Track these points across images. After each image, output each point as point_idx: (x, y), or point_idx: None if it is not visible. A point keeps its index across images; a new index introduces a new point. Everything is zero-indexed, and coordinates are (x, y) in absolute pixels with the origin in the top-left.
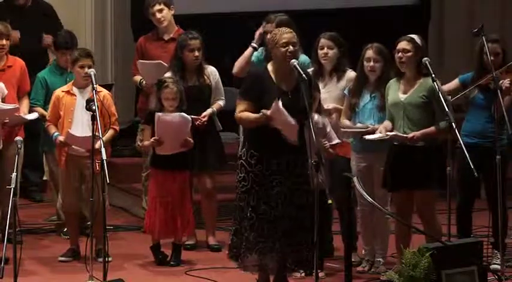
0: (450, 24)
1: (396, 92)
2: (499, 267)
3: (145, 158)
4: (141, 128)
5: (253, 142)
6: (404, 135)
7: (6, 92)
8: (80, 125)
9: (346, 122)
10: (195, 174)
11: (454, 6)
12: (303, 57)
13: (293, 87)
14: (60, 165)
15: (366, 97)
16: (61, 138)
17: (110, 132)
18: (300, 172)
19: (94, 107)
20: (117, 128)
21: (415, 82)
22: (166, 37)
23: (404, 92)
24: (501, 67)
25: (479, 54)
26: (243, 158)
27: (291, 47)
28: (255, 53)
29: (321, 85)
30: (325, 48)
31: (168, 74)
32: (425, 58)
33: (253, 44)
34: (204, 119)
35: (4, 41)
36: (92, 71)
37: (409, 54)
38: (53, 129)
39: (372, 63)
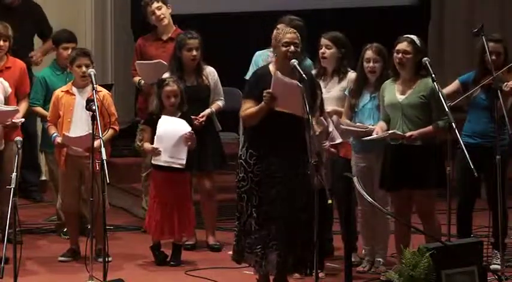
0: (450, 24)
1: (393, 93)
2: (499, 267)
3: (144, 158)
4: (141, 128)
5: (252, 142)
6: (402, 134)
7: (10, 90)
8: (80, 125)
9: (346, 122)
10: (194, 174)
11: (454, 6)
12: (308, 62)
13: None
14: (60, 165)
15: (366, 97)
16: (59, 139)
17: (110, 132)
18: (300, 172)
19: (94, 107)
20: (117, 128)
21: (413, 83)
22: (164, 37)
23: (402, 93)
24: (503, 67)
25: (481, 54)
26: (243, 158)
27: (292, 47)
28: (258, 53)
29: (322, 85)
30: (323, 48)
31: (166, 75)
32: (426, 58)
33: None
34: (201, 119)
35: (2, 42)
36: (91, 71)
37: (409, 56)
38: (52, 130)
39: (371, 64)
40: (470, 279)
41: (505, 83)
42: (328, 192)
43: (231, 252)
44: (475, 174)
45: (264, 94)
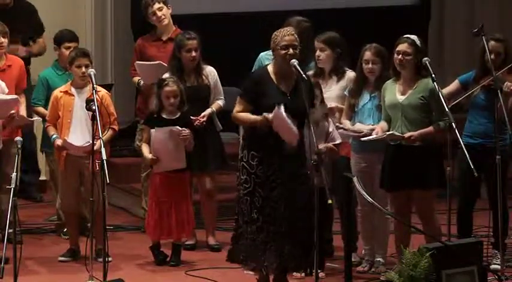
0: (450, 24)
1: (394, 93)
2: (499, 267)
3: (144, 158)
4: (140, 128)
5: (253, 143)
6: (401, 135)
7: (7, 90)
8: (79, 126)
9: (346, 122)
10: (195, 174)
11: (454, 6)
12: (313, 64)
13: (292, 88)
14: (60, 165)
15: (366, 97)
16: (58, 142)
17: (109, 133)
18: (300, 172)
19: (94, 107)
20: (116, 127)
21: (413, 83)
22: (164, 37)
23: (403, 93)
24: (502, 67)
25: (482, 54)
26: (244, 160)
27: (291, 50)
28: (263, 53)
29: (322, 85)
30: (318, 51)
31: (166, 75)
32: (426, 58)
33: None
34: (202, 119)
35: (2, 39)
36: (91, 71)
37: (410, 57)
38: (52, 131)
39: (370, 65)
40: (470, 279)
41: (505, 84)
42: (328, 192)
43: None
44: (475, 174)
45: (261, 118)
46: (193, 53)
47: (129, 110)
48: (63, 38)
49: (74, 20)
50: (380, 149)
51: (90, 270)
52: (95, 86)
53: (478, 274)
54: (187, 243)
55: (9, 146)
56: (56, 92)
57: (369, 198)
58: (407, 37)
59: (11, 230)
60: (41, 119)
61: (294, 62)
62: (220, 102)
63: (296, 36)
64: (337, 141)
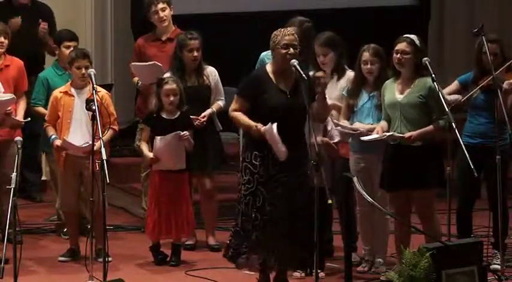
0: (450, 24)
1: (393, 93)
2: (499, 267)
3: (144, 158)
4: (140, 128)
5: (256, 143)
6: (402, 135)
7: (2, 90)
8: (79, 126)
9: (344, 122)
10: (195, 174)
11: (454, 6)
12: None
13: (292, 87)
14: (59, 165)
15: (365, 97)
16: (58, 142)
17: (110, 132)
18: (301, 172)
19: (94, 107)
20: (116, 127)
21: (411, 82)
22: (163, 37)
23: (401, 93)
24: (500, 67)
25: (478, 54)
26: (247, 160)
27: (291, 50)
28: (264, 53)
29: None
30: (321, 56)
31: (167, 74)
32: (426, 58)
33: None
34: (203, 119)
35: (2, 39)
36: (91, 71)
37: (408, 56)
38: (51, 131)
39: (368, 66)
40: (470, 279)
41: (505, 82)
42: (328, 192)
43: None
44: (475, 174)
45: (254, 128)
46: (195, 53)
47: (129, 110)
48: (63, 37)
49: (74, 20)
50: (379, 149)
51: (90, 270)
52: (95, 86)
53: (478, 274)
54: (187, 243)
55: (7, 147)
56: (56, 93)
57: (369, 198)
58: (406, 36)
59: (11, 230)
60: (29, 119)
61: (294, 62)
62: (220, 103)
63: (296, 36)
64: (336, 140)
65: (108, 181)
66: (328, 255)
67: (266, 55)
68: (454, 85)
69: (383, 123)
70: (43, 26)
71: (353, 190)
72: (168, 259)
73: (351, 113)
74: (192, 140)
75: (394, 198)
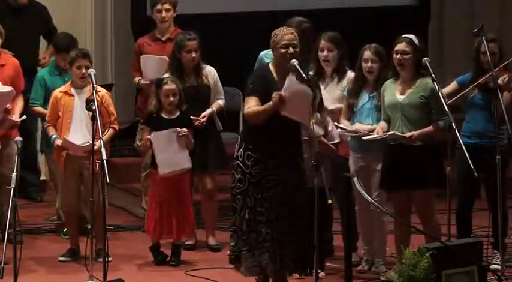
0: (450, 24)
1: (393, 93)
2: (499, 267)
3: (144, 158)
4: (141, 128)
5: (250, 143)
6: (402, 134)
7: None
8: (79, 126)
9: (345, 122)
10: (195, 174)
11: (454, 6)
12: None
13: None
14: (59, 165)
15: (365, 97)
16: (58, 142)
17: (110, 132)
18: (297, 173)
19: (94, 107)
20: (117, 127)
21: (412, 83)
22: (164, 37)
23: (402, 93)
24: (497, 66)
25: (476, 54)
26: (240, 159)
27: (291, 49)
28: (263, 53)
29: (321, 86)
30: (325, 51)
31: (166, 75)
32: (426, 58)
33: None
34: (203, 120)
35: None
36: (91, 71)
37: (408, 56)
38: (51, 131)
39: (369, 64)
40: (470, 279)
41: (499, 78)
42: (328, 192)
43: (229, 252)
44: (475, 174)
45: (274, 95)
46: (194, 54)
47: (129, 110)
48: (61, 47)
49: (74, 20)
50: (378, 149)
51: (90, 270)
52: (95, 86)
53: (478, 274)
54: (187, 243)
55: (4, 146)
56: (56, 92)
57: (369, 198)
58: (405, 36)
59: (11, 230)
60: (24, 117)
61: (294, 62)
62: (220, 102)
63: (296, 35)
64: (336, 141)
65: (108, 181)
66: (328, 255)
67: (265, 54)
68: (453, 85)
69: (382, 124)
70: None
71: (353, 190)
72: (168, 259)
73: (351, 113)
74: (192, 139)
75: (394, 198)
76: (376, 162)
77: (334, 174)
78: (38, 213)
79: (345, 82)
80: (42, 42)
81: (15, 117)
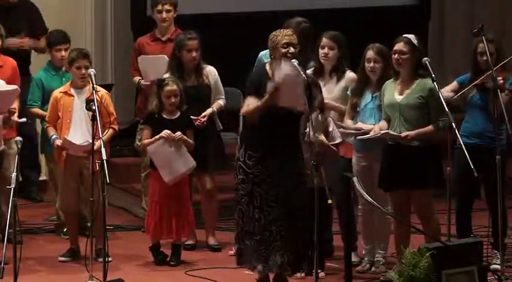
0: (450, 24)
1: (392, 93)
2: (499, 267)
3: (144, 158)
4: (140, 128)
5: (250, 143)
6: (398, 134)
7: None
8: (79, 126)
9: (348, 122)
10: (195, 174)
11: (454, 6)
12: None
13: None
14: (59, 165)
15: (368, 97)
16: (58, 142)
17: (110, 132)
18: (298, 171)
19: (94, 107)
20: (116, 127)
21: (411, 83)
22: (164, 38)
23: (401, 93)
24: (495, 66)
25: (473, 55)
26: (241, 160)
27: (291, 49)
28: (263, 53)
29: (321, 84)
30: (326, 48)
31: (166, 75)
32: (426, 58)
33: None
34: (203, 119)
35: None
36: (91, 71)
37: (406, 56)
38: (52, 132)
39: (372, 64)
40: (470, 279)
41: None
42: (328, 192)
43: (231, 252)
44: (475, 174)
45: (268, 86)
46: (194, 54)
47: (129, 110)
48: (54, 41)
49: (74, 20)
50: (380, 148)
51: (90, 270)
52: (94, 86)
53: (478, 274)
54: (187, 243)
55: (6, 146)
56: (56, 93)
57: (369, 198)
58: (403, 36)
59: (11, 230)
60: (24, 120)
61: (294, 62)
62: (220, 102)
63: (295, 37)
64: (337, 141)
65: (108, 181)
66: (328, 255)
67: (265, 55)
68: (452, 85)
69: (382, 123)
70: (21, 43)
71: (353, 190)
72: (168, 259)
73: (355, 112)
74: (190, 140)
75: (393, 198)
76: (377, 162)
77: (334, 174)
78: (38, 213)
79: (343, 82)
80: None
81: (16, 117)
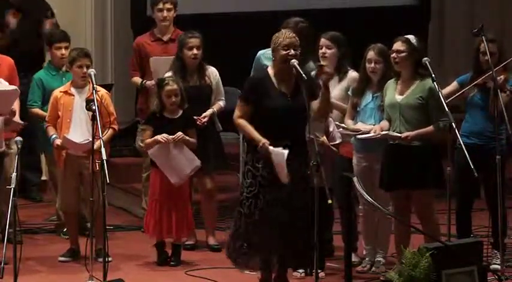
0: (450, 24)
1: (393, 93)
2: (499, 267)
3: (145, 158)
4: (142, 128)
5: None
6: (398, 134)
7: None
8: (79, 125)
9: (349, 122)
10: (195, 174)
11: (454, 6)
12: (311, 64)
13: (293, 90)
14: (59, 165)
15: (368, 97)
16: (58, 141)
17: (110, 132)
18: (302, 174)
19: (94, 107)
20: (116, 127)
21: (411, 83)
22: (165, 38)
23: (401, 93)
24: (496, 66)
25: (476, 54)
26: (249, 164)
27: (292, 51)
28: (261, 52)
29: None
30: (324, 48)
31: (167, 74)
32: (426, 58)
33: None
34: (204, 120)
35: None
36: (92, 71)
37: (403, 55)
38: (51, 131)
39: (373, 65)
40: (470, 279)
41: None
42: (329, 192)
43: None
44: (475, 174)
45: (261, 145)
46: (195, 51)
47: (129, 110)
48: (54, 39)
49: (74, 20)
50: (380, 148)
51: (90, 270)
52: (95, 86)
53: (478, 274)
54: (187, 243)
55: (6, 147)
56: (56, 92)
57: (369, 198)
58: (401, 36)
59: (11, 230)
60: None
61: (294, 62)
62: (221, 103)
63: (297, 39)
64: (337, 141)
65: (108, 181)
66: (328, 255)
67: (263, 54)
68: (453, 86)
69: (383, 123)
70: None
71: (353, 190)
72: (168, 259)
73: (356, 112)
74: (192, 139)
75: (393, 198)
76: (378, 162)
77: (335, 174)
78: (38, 213)
79: (346, 82)
80: None
81: (16, 117)
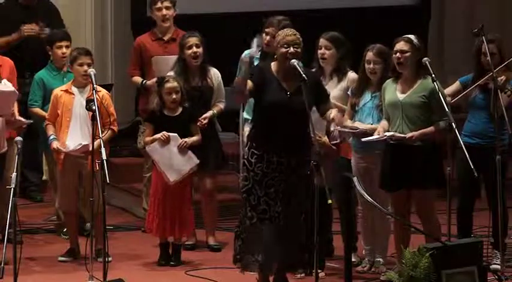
0: (450, 24)
1: (394, 92)
2: (499, 267)
3: (147, 159)
4: (143, 129)
5: (255, 140)
6: (403, 135)
7: (9, 83)
8: (78, 124)
9: (347, 122)
10: (195, 174)
11: (454, 6)
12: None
13: (294, 89)
14: (59, 165)
15: (367, 97)
16: (54, 145)
17: (109, 133)
18: (301, 173)
19: (94, 107)
20: (116, 128)
21: (414, 82)
22: (166, 37)
23: (403, 92)
24: (497, 66)
25: (477, 55)
26: (245, 157)
27: (292, 49)
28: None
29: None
30: (323, 49)
31: (169, 74)
32: (426, 58)
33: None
34: (204, 122)
35: None
36: (92, 71)
37: (407, 54)
38: (50, 130)
39: (372, 66)
40: (470, 279)
41: (498, 78)
42: (328, 192)
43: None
44: (475, 174)
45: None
46: (195, 49)
47: (129, 110)
48: (54, 37)
49: (74, 20)
50: (381, 149)
51: (90, 270)
52: (95, 86)
53: (478, 274)
54: (187, 243)
55: (11, 146)
56: (57, 91)
57: (369, 198)
58: (404, 36)
59: (11, 230)
60: (31, 121)
61: (294, 61)
62: (221, 105)
63: (299, 36)
64: (338, 141)
65: (108, 181)
66: (328, 255)
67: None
68: (455, 86)
69: (384, 123)
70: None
71: (353, 190)
72: (168, 259)
73: (355, 112)
74: (195, 137)
75: (393, 198)
76: (377, 163)
77: (335, 174)
78: (38, 213)
79: (345, 82)
80: None
81: (22, 118)
